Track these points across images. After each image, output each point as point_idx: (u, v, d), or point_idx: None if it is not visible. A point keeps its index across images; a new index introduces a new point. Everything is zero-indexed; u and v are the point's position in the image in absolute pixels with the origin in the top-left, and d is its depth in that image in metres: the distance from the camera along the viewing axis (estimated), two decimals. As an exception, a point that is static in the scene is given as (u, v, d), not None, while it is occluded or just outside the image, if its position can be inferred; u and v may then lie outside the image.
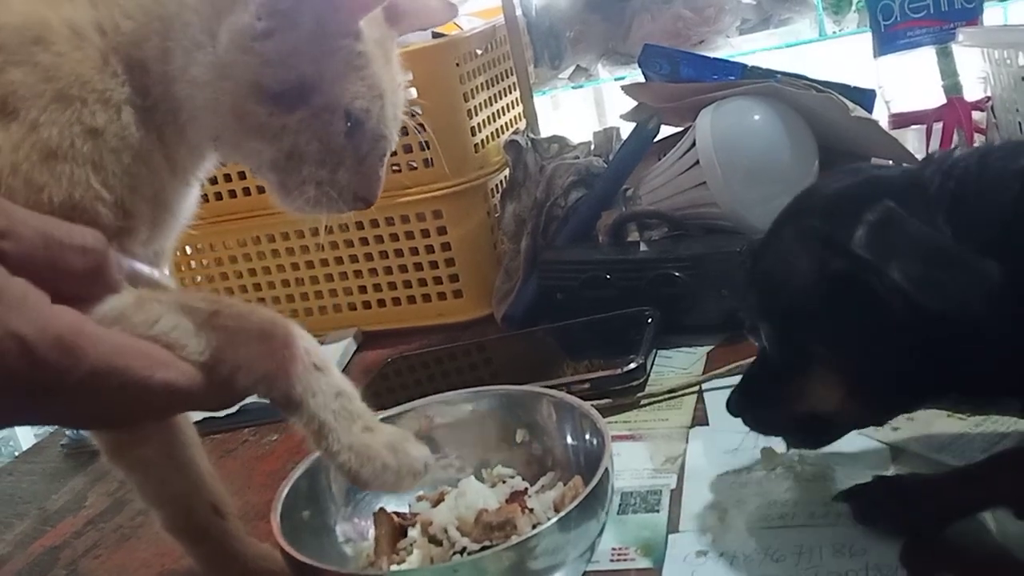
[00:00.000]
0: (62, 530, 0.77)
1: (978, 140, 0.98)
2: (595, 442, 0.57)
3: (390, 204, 1.02)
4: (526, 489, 0.58)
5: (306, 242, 1.07)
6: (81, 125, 0.47)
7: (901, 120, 1.05)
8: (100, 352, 0.40)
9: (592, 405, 0.59)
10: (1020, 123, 0.87)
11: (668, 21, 1.32)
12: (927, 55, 1.04)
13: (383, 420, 0.62)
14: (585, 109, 1.93)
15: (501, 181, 1.08)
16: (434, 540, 0.54)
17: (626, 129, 1.05)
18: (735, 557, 0.55)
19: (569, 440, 0.60)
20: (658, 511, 0.61)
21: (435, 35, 1.06)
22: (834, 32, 1.40)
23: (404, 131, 1.02)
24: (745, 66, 1.02)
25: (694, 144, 0.92)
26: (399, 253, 1.05)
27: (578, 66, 1.47)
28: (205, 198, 1.05)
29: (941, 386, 0.53)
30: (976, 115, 0.99)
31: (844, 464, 0.60)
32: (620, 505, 0.62)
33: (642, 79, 1.09)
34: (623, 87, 1.08)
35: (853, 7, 1.38)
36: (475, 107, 1.05)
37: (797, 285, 0.53)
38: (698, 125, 0.92)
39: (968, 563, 0.51)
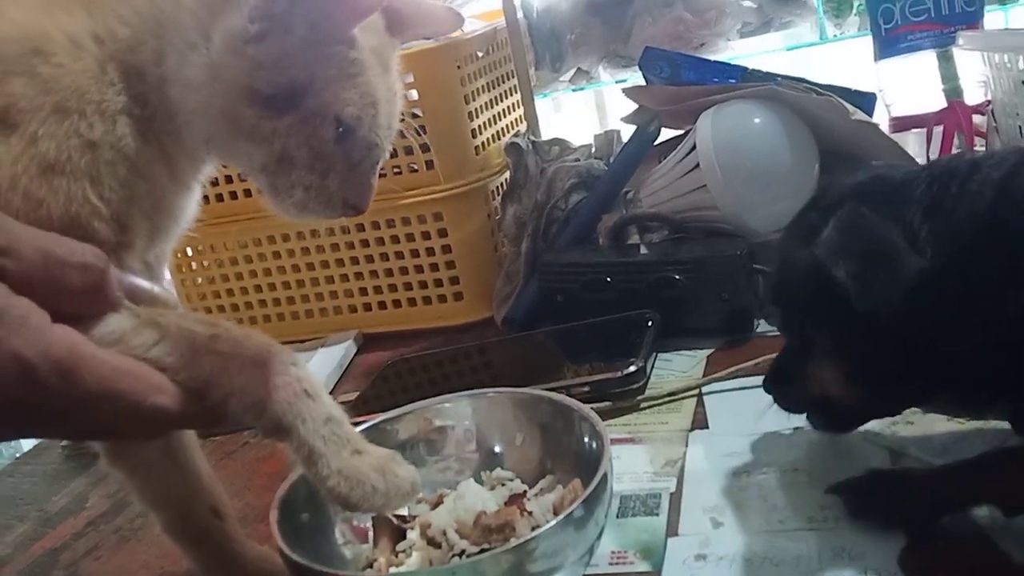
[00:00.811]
0: (62, 532, 0.77)
1: (978, 144, 0.99)
2: (594, 445, 0.57)
3: (391, 206, 1.02)
4: (525, 492, 0.58)
5: (307, 244, 1.07)
6: (79, 138, 0.47)
7: (902, 124, 1.05)
8: (97, 375, 0.40)
9: (592, 408, 0.59)
10: (1020, 127, 0.87)
11: (669, 24, 1.32)
12: (928, 59, 1.04)
13: (383, 422, 0.63)
14: (586, 112, 1.93)
15: (502, 183, 1.08)
16: (433, 542, 0.54)
17: (627, 132, 1.05)
18: (734, 561, 0.55)
19: (568, 443, 0.60)
20: (657, 514, 0.61)
21: (435, 38, 1.06)
22: (835, 35, 1.40)
23: (403, 134, 1.03)
24: (746, 69, 1.02)
25: (694, 147, 0.92)
26: (400, 255, 1.05)
27: (579, 69, 1.47)
28: (206, 200, 1.05)
29: (931, 378, 0.54)
30: (977, 119, 0.99)
31: (844, 467, 0.60)
32: (619, 508, 0.62)
33: (643, 82, 1.09)
34: (624, 90, 1.08)
35: (854, 10, 1.38)
36: (476, 109, 1.05)
37: (794, 276, 0.56)
38: (698, 128, 0.92)
39: (966, 568, 0.51)
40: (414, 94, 0.99)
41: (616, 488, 0.63)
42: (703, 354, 0.83)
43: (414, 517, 0.57)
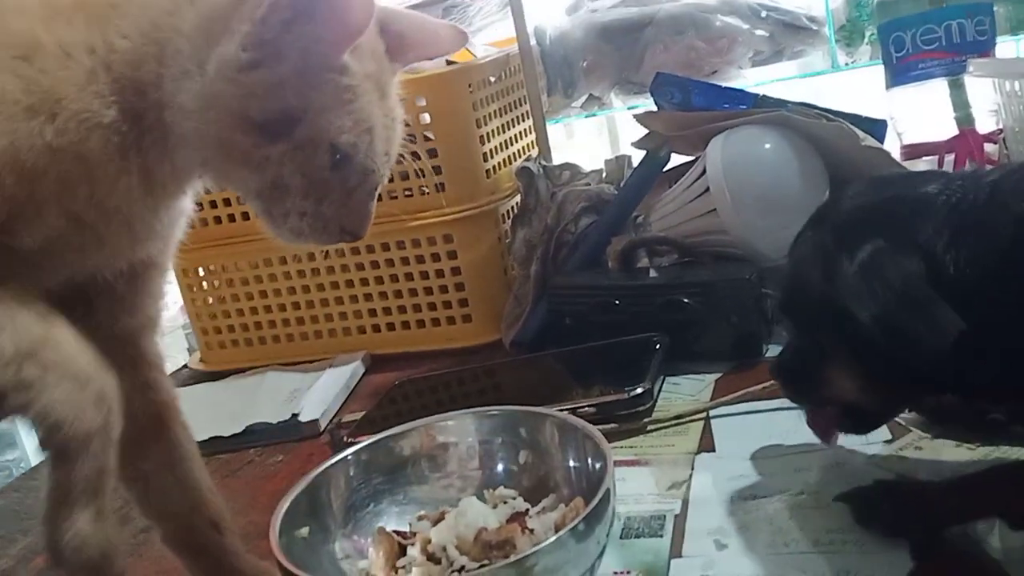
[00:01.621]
0: (65, 546, 0.77)
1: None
2: (598, 464, 0.56)
3: (401, 228, 1.02)
4: (527, 510, 0.58)
5: (316, 264, 1.08)
6: (41, 140, 0.47)
7: (913, 151, 1.05)
8: None
9: (598, 430, 0.58)
10: (1032, 154, 0.87)
11: (681, 52, 1.33)
12: (939, 87, 1.04)
13: (387, 439, 0.62)
14: (598, 138, 1.94)
15: (512, 207, 1.08)
16: (433, 558, 0.54)
17: (638, 157, 1.05)
18: (738, 582, 0.54)
19: (571, 462, 0.59)
20: (661, 536, 0.60)
21: (449, 62, 1.07)
22: (847, 64, 1.40)
23: (416, 155, 1.03)
24: (756, 95, 1.02)
25: (704, 171, 0.92)
26: (409, 277, 1.06)
27: (591, 95, 1.47)
28: (217, 220, 1.07)
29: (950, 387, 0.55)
30: (988, 147, 0.99)
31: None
32: (623, 529, 0.61)
33: (654, 109, 1.10)
34: (635, 115, 1.09)
35: (866, 39, 1.38)
36: (488, 133, 1.05)
37: (810, 294, 0.56)
38: (709, 153, 0.93)
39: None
40: (426, 117, 1.00)
41: (621, 510, 0.63)
42: (711, 378, 0.82)
43: (415, 533, 0.57)
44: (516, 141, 1.15)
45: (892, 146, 1.02)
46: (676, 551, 0.58)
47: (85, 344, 0.49)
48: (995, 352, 0.49)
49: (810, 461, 0.65)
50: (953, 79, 1.02)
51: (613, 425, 0.75)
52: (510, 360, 0.97)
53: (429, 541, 0.54)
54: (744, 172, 0.90)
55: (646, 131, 1.08)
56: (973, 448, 0.62)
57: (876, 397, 0.57)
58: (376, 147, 0.56)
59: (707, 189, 0.92)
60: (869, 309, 0.49)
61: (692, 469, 0.68)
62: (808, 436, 0.67)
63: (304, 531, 0.55)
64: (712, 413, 0.76)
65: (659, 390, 0.81)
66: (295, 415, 0.91)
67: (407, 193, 1.03)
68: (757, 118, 0.93)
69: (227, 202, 1.07)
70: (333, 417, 0.94)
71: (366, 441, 0.61)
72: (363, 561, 0.57)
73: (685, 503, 0.64)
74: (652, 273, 0.92)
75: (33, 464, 0.98)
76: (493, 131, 1.07)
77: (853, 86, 1.41)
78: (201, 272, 1.13)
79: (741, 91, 1.04)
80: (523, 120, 1.18)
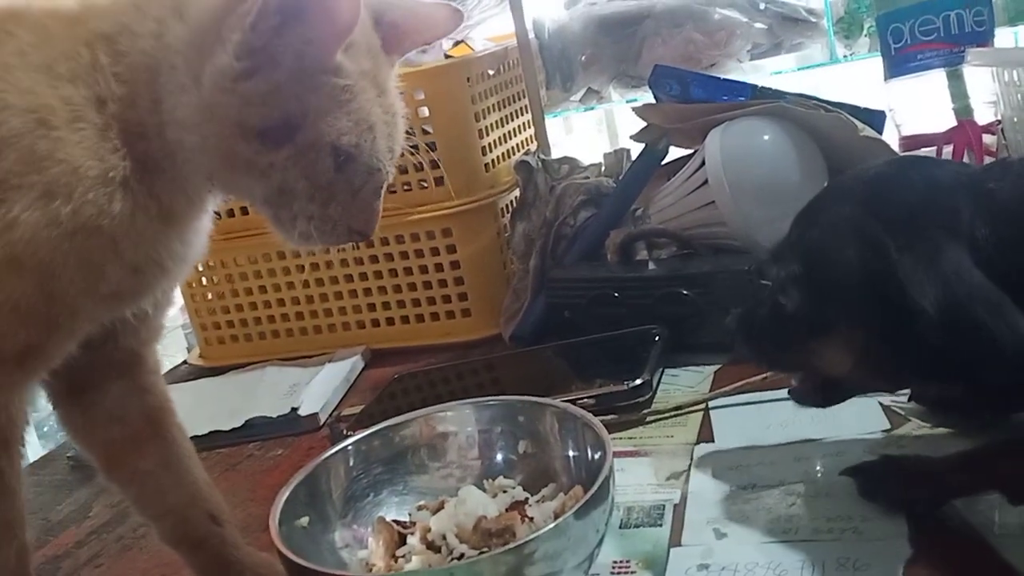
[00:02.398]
0: (64, 540, 0.77)
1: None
2: (597, 454, 0.56)
3: (400, 222, 1.02)
4: (526, 499, 0.58)
5: (316, 259, 1.08)
6: (57, 228, 0.48)
7: (912, 143, 1.04)
8: None
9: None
10: (1031, 145, 0.87)
11: (679, 45, 1.33)
12: (938, 78, 1.04)
13: (387, 428, 0.62)
14: (597, 131, 1.94)
15: (511, 201, 1.08)
16: (432, 546, 0.54)
17: (636, 150, 1.05)
18: (736, 571, 0.54)
19: (571, 451, 0.59)
20: (660, 525, 0.60)
21: (447, 56, 1.07)
22: (845, 56, 1.40)
23: (414, 149, 1.03)
24: (755, 87, 1.02)
25: (703, 164, 0.92)
26: (408, 271, 1.06)
27: (590, 88, 1.47)
28: (217, 215, 1.07)
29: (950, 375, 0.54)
30: (987, 138, 0.99)
31: (848, 480, 0.59)
32: (623, 519, 0.62)
33: (653, 102, 1.10)
34: (634, 108, 1.09)
35: (864, 31, 1.38)
36: (486, 127, 1.05)
37: (839, 273, 0.54)
38: (707, 145, 0.93)
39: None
40: (425, 111, 1.00)
41: (620, 499, 0.63)
42: (710, 369, 0.82)
43: (415, 523, 0.57)
44: (515, 135, 1.15)
45: (891, 137, 1.02)
46: (675, 540, 0.58)
47: None
48: None
49: (809, 451, 0.65)
50: (951, 70, 1.02)
51: (613, 417, 0.75)
52: (509, 353, 0.97)
53: (429, 530, 0.54)
54: (743, 164, 0.90)
55: (645, 124, 1.08)
56: (971, 438, 0.62)
57: (867, 377, 0.57)
58: (379, 145, 0.56)
59: (706, 181, 0.92)
60: (937, 300, 0.48)
61: (691, 459, 0.68)
62: (806, 426, 0.67)
63: (304, 521, 0.55)
64: (711, 404, 0.76)
65: (658, 382, 0.81)
66: (295, 409, 0.91)
67: (406, 187, 1.03)
68: (755, 109, 0.93)
69: (226, 197, 1.06)
70: (333, 411, 0.94)
71: (368, 431, 0.61)
72: (363, 551, 0.57)
73: (684, 493, 0.64)
74: (651, 265, 0.92)
75: (32, 461, 0.98)
76: (492, 125, 1.07)
77: (852, 78, 1.41)
78: (200, 267, 1.13)
79: (739, 83, 1.04)
80: (522, 114, 1.18)
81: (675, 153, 1.04)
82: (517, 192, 1.06)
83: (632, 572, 0.56)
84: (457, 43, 1.27)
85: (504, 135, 1.11)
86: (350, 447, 0.61)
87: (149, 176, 0.52)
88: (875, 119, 0.97)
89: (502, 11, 1.26)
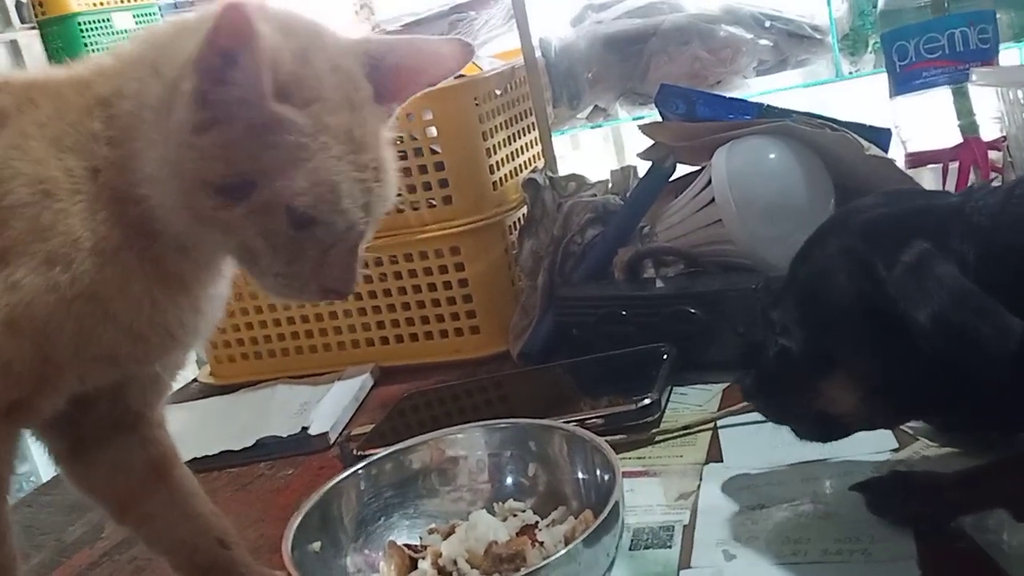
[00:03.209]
0: (78, 561, 0.77)
1: (994, 180, 0.98)
2: (606, 476, 0.57)
3: (408, 240, 1.03)
4: (537, 523, 0.58)
5: (325, 278, 1.08)
6: (55, 293, 0.49)
7: (917, 160, 1.05)
8: None
9: (606, 441, 0.59)
10: (1036, 162, 0.87)
11: (685, 62, 1.34)
12: (943, 95, 1.04)
13: (397, 452, 0.63)
14: (604, 149, 1.94)
15: (519, 218, 1.09)
16: (443, 572, 0.54)
17: (643, 168, 1.06)
18: (747, 593, 0.54)
19: (580, 474, 0.60)
20: (670, 547, 0.60)
21: (455, 76, 1.08)
22: (851, 73, 1.41)
23: (423, 168, 1.04)
24: (761, 105, 1.02)
25: (710, 182, 0.93)
26: (417, 289, 1.06)
27: (596, 106, 1.48)
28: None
29: (953, 406, 0.55)
30: (992, 155, 0.99)
31: (858, 501, 0.60)
32: (632, 541, 0.62)
33: (659, 119, 1.10)
34: (640, 126, 1.09)
35: (869, 48, 1.39)
36: (494, 146, 1.06)
37: (833, 301, 0.56)
38: (714, 163, 0.93)
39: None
40: (433, 131, 1.01)
41: (629, 521, 0.63)
42: (719, 388, 0.83)
43: (425, 547, 0.58)
44: (522, 153, 1.15)
45: (896, 155, 1.02)
46: (685, 562, 0.59)
47: None
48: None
49: (818, 471, 0.66)
50: (957, 87, 1.02)
51: (621, 436, 0.75)
52: (518, 371, 0.97)
53: (440, 554, 0.55)
54: (749, 182, 0.91)
55: (651, 142, 1.08)
56: (978, 457, 0.62)
57: (872, 411, 0.57)
58: (344, 204, 0.51)
59: (712, 199, 0.92)
60: (926, 308, 0.49)
61: (700, 479, 0.68)
62: (815, 446, 0.67)
63: (316, 546, 0.56)
64: (720, 423, 0.76)
65: (667, 401, 0.81)
66: (305, 428, 0.92)
67: (414, 206, 1.03)
68: (761, 128, 0.94)
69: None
70: (343, 430, 0.94)
71: (376, 455, 0.62)
72: (375, 575, 0.58)
73: (693, 513, 0.64)
74: (659, 283, 0.93)
75: (44, 479, 0.99)
76: (499, 143, 1.08)
77: (857, 95, 1.41)
78: (210, 286, 1.14)
79: (745, 101, 1.04)
80: (529, 132, 1.18)
81: (682, 171, 1.05)
82: (525, 210, 1.07)
83: (642, 595, 0.56)
84: (464, 62, 1.27)
85: (511, 153, 1.12)
86: (361, 471, 0.61)
87: (144, 240, 0.52)
88: (881, 137, 0.98)
89: (509, 30, 1.27)
